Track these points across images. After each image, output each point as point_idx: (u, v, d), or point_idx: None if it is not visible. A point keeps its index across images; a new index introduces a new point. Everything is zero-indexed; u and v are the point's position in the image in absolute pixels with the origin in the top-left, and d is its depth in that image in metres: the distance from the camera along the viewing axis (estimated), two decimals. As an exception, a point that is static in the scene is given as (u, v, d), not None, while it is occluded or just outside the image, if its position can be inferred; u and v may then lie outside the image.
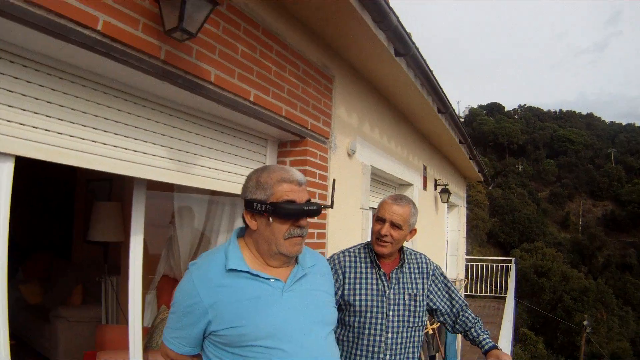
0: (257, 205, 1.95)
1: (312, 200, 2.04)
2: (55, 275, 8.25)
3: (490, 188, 39.24)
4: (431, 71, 5.63)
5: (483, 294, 15.63)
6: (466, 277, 15.60)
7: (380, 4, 3.92)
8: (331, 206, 2.10)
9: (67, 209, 9.17)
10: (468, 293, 15.56)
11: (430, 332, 5.88)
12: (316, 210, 1.98)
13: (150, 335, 4.50)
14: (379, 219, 2.89)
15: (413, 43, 4.69)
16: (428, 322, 5.83)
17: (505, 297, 13.22)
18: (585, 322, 33.75)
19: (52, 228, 9.64)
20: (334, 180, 2.28)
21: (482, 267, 16.31)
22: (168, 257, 5.08)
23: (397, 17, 4.23)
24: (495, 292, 15.80)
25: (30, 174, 8.59)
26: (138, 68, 2.65)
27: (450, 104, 6.88)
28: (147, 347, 4.39)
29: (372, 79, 5.67)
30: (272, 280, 1.97)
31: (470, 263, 16.10)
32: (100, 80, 2.78)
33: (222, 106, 3.39)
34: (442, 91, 6.30)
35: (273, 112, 3.79)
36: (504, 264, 16.35)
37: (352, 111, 5.34)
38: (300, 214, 1.94)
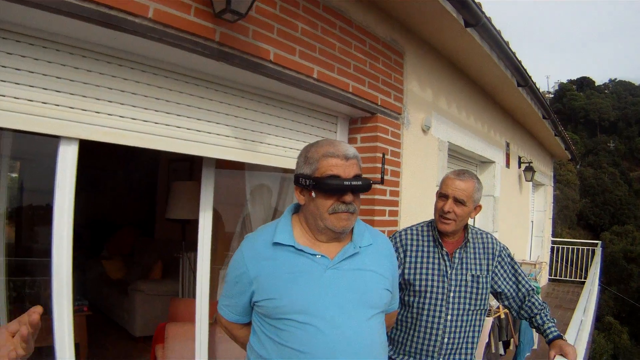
0: (302, 180, 1.94)
1: (363, 176, 1.97)
2: (138, 252, 8.59)
3: (578, 167, 37.91)
4: (506, 43, 5.44)
5: (568, 278, 15.05)
6: (551, 260, 15.14)
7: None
8: (381, 182, 2.01)
9: (151, 189, 9.50)
10: (552, 277, 15.05)
11: (503, 316, 5.70)
12: (361, 186, 1.90)
13: (221, 309, 4.58)
14: (441, 195, 2.79)
15: (483, 13, 4.52)
16: (501, 306, 5.67)
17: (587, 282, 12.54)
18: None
19: (136, 207, 10.03)
20: (383, 155, 2.19)
21: (568, 249, 15.68)
22: (242, 234, 5.15)
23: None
24: (581, 277, 14.85)
25: (115, 156, 8.94)
26: (193, 51, 2.72)
27: (530, 77, 6.64)
28: (216, 319, 4.47)
29: (445, 52, 5.54)
30: (318, 256, 1.94)
31: (556, 245, 15.57)
32: (160, 65, 2.90)
33: (285, 84, 3.40)
34: (520, 63, 6.09)
35: (339, 89, 3.76)
36: (591, 247, 15.71)
37: (426, 86, 5.23)
38: (342, 190, 1.88)
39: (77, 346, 5.33)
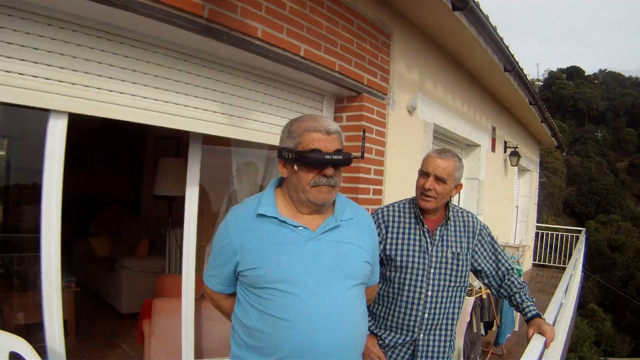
0: (285, 154, 1.99)
1: (343, 150, 2.02)
2: (125, 229, 8.60)
3: (564, 154, 38.00)
4: (494, 27, 5.48)
5: (552, 264, 15.17)
6: (536, 245, 15.25)
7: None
8: (362, 157, 2.05)
9: (138, 166, 9.52)
10: (536, 262, 15.20)
11: (485, 296, 5.76)
12: (342, 160, 1.95)
13: (206, 284, 4.61)
14: (423, 173, 2.84)
15: (471, -4, 4.56)
16: (483, 286, 5.74)
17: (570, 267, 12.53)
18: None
19: (123, 184, 10.03)
20: (364, 130, 2.23)
21: (552, 236, 15.71)
22: (227, 211, 5.18)
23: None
24: (565, 263, 14.85)
25: (103, 134, 8.92)
26: (182, 27, 2.76)
27: (517, 62, 6.69)
28: (202, 295, 4.51)
29: (433, 35, 5.57)
30: (300, 228, 1.99)
31: (540, 231, 15.68)
32: (149, 40, 2.93)
33: (272, 61, 3.43)
34: (507, 48, 6.13)
35: (326, 67, 3.80)
36: (576, 234, 15.74)
37: (413, 67, 5.27)
38: (324, 163, 1.93)
39: (65, 322, 5.33)
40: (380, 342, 2.88)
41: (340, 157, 1.95)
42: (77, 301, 5.77)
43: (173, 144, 8.08)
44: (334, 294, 1.94)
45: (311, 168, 1.94)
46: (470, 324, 5.16)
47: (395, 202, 3.01)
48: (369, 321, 2.87)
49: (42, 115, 2.61)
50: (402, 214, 2.92)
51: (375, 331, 2.92)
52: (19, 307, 4.79)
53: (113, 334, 6.03)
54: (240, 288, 2.07)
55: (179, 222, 4.29)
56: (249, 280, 1.97)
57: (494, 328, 6.26)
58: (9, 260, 5.07)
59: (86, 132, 8.43)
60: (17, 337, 2.51)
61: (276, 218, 2.00)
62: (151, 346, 4.22)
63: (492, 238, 3.00)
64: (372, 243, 2.23)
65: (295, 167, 1.96)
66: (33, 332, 3.27)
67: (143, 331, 4.56)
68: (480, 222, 3.00)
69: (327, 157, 1.92)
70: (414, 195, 2.94)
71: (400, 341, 2.83)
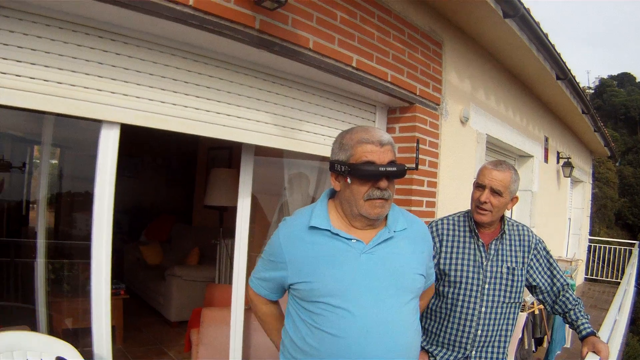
0: (337, 166, 1.96)
1: (397, 162, 1.97)
2: (175, 238, 8.71)
3: (617, 164, 37.03)
4: (546, 35, 5.36)
5: (604, 278, 14.78)
6: (588, 259, 14.88)
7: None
8: (416, 168, 2.01)
9: (190, 177, 9.64)
10: (588, 276, 14.78)
11: (537, 312, 5.63)
12: (396, 172, 1.91)
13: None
14: (478, 185, 2.77)
15: (521, 3, 4.47)
16: (535, 302, 5.61)
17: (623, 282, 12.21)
18: None
19: (175, 194, 10.19)
20: (417, 141, 2.18)
21: (605, 249, 15.36)
22: (279, 222, 5.18)
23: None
24: (618, 278, 14.40)
25: (155, 145, 9.07)
26: (233, 38, 2.75)
27: (569, 70, 6.52)
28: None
29: (484, 43, 5.48)
30: (353, 240, 1.96)
31: (593, 244, 15.26)
32: (200, 52, 2.95)
33: (324, 72, 3.41)
34: (559, 55, 5.99)
35: (377, 78, 3.76)
36: (629, 248, 15.31)
37: (465, 77, 5.19)
38: (377, 176, 1.89)
39: (113, 328, 5.42)
40: (432, 358, 2.83)
41: (395, 168, 1.90)
42: (126, 308, 5.86)
43: (224, 154, 8.16)
44: (386, 310, 1.90)
45: (364, 181, 1.90)
46: (521, 340, 5.06)
47: (450, 215, 2.95)
48: (421, 337, 2.81)
49: (93, 125, 2.63)
50: (456, 228, 2.86)
51: (426, 347, 2.87)
52: (68, 313, 4.86)
53: (160, 341, 6.10)
54: (291, 301, 2.04)
55: (229, 233, 4.31)
56: (300, 294, 1.95)
57: (544, 344, 6.12)
58: (60, 266, 5.15)
59: (139, 143, 8.66)
60: (64, 342, 2.57)
61: (329, 230, 1.97)
62: (198, 355, 4.25)
63: (548, 252, 2.91)
64: (427, 253, 2.20)
65: (349, 180, 1.92)
66: (81, 337, 3.31)
67: (191, 340, 4.60)
68: (535, 235, 2.92)
69: (381, 169, 1.88)
70: (469, 207, 2.89)
71: (452, 358, 2.77)
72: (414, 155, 4.15)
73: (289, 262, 1.97)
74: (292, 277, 1.96)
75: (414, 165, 2.04)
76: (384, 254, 1.98)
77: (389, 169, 1.89)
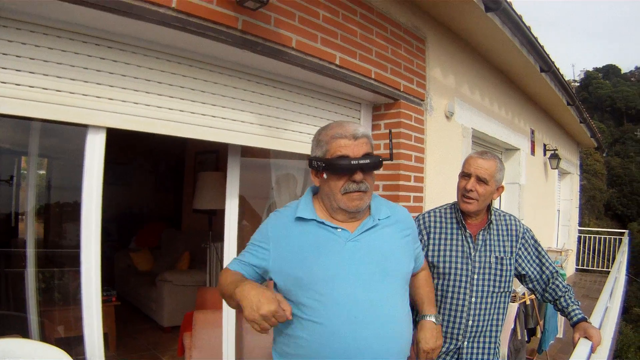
0: (314, 163, 2.00)
1: (372, 154, 1.99)
2: (166, 244, 8.69)
3: (604, 155, 37.22)
4: (528, 27, 5.41)
5: (595, 268, 14.83)
6: (578, 249, 14.93)
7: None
8: (390, 159, 2.02)
9: (178, 182, 9.64)
10: (579, 267, 14.85)
11: (528, 302, 5.66)
12: (369, 164, 1.94)
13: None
14: (464, 174, 2.80)
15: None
16: (526, 292, 5.63)
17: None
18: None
19: (163, 200, 10.19)
20: (390, 131, 2.20)
21: (595, 239, 15.36)
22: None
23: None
24: (609, 267, 14.36)
25: (143, 151, 9.06)
26: (216, 39, 2.76)
27: (553, 62, 6.57)
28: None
29: (467, 38, 5.51)
30: (339, 230, 1.99)
31: (583, 235, 15.31)
32: (184, 54, 2.95)
33: (308, 71, 3.42)
34: (542, 48, 6.04)
35: (361, 75, 3.77)
36: (619, 237, 15.39)
37: (449, 72, 5.22)
38: (351, 169, 1.92)
39: (106, 335, 5.42)
40: (424, 351, 2.83)
41: (368, 160, 1.93)
42: (119, 315, 5.84)
43: (212, 158, 8.17)
44: (374, 296, 1.92)
45: (340, 175, 1.94)
46: (514, 330, 5.08)
47: (437, 208, 2.97)
48: (412, 329, 2.81)
49: (80, 133, 2.63)
50: (443, 219, 2.88)
51: (418, 339, 2.87)
52: (60, 321, 4.84)
53: (154, 347, 6.08)
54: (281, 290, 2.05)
55: (219, 236, 4.31)
56: (286, 284, 1.96)
57: (538, 335, 6.15)
58: (50, 275, 5.13)
59: (126, 149, 8.64)
60: (57, 349, 2.53)
61: (315, 220, 2.01)
62: (192, 358, 4.23)
63: (536, 241, 2.93)
64: (412, 235, 2.23)
65: (325, 176, 1.96)
66: (73, 346, 3.30)
67: (184, 344, 4.59)
68: (523, 225, 2.94)
69: (353, 162, 1.91)
70: (455, 200, 2.90)
71: (444, 349, 2.78)
72: (401, 151, 4.17)
73: (273, 249, 2.00)
74: (274, 263, 1.99)
75: (388, 157, 2.04)
76: (370, 241, 2.01)
77: (361, 161, 1.92)
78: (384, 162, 2.01)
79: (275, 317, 1.69)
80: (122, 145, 7.81)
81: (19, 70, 2.33)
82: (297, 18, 3.21)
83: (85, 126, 2.61)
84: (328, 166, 1.93)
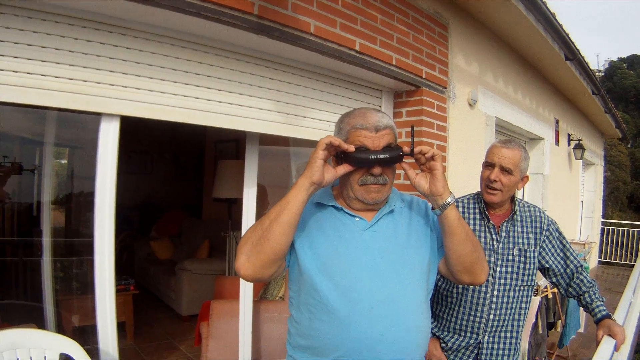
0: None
1: (394, 146, 1.90)
2: (185, 232, 8.70)
3: (628, 146, 36.74)
4: (553, 14, 5.29)
5: (618, 261, 14.59)
6: (601, 242, 14.74)
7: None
8: (411, 154, 1.93)
9: (198, 171, 9.68)
10: (602, 260, 14.66)
11: (551, 296, 5.56)
12: (388, 159, 1.84)
13: (265, 286, 4.59)
14: (487, 164, 2.71)
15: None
16: (549, 285, 5.54)
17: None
18: None
19: (184, 189, 10.25)
20: (412, 126, 2.11)
21: (618, 232, 15.19)
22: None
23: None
24: (632, 260, 14.17)
25: (163, 140, 9.09)
26: (232, 25, 2.71)
27: (578, 50, 6.44)
28: (262, 297, 4.48)
29: (491, 25, 5.41)
30: (356, 218, 1.95)
31: (606, 227, 15.10)
32: (199, 40, 2.91)
33: (327, 57, 3.36)
34: (567, 35, 5.91)
35: (382, 61, 3.70)
36: (644, 230, 15.23)
37: (472, 59, 5.12)
38: (369, 163, 1.84)
39: (124, 324, 5.45)
40: (443, 345, 2.79)
41: (387, 155, 1.83)
42: (137, 303, 5.86)
43: (232, 147, 8.20)
44: (391, 288, 1.86)
45: (357, 167, 1.87)
46: (535, 324, 4.99)
47: (459, 197, 2.88)
48: (431, 323, 2.75)
49: (96, 122, 2.62)
50: (466, 210, 2.80)
51: (437, 333, 2.82)
52: (77, 310, 4.85)
53: (172, 335, 6.11)
54: (293, 287, 2.01)
55: (238, 225, 4.29)
56: (308, 262, 1.88)
57: (558, 329, 6.06)
58: (69, 264, 5.13)
59: (146, 138, 8.67)
60: (68, 339, 2.56)
61: (334, 207, 1.97)
62: (209, 348, 4.23)
63: (561, 234, 2.84)
64: (431, 223, 2.11)
65: (343, 165, 1.88)
66: (89, 335, 3.31)
67: (201, 333, 4.57)
68: (548, 217, 2.85)
69: (371, 156, 1.82)
70: (478, 190, 2.81)
71: (464, 344, 2.72)
72: (422, 139, 4.10)
73: (299, 224, 1.87)
74: (298, 237, 1.91)
75: (409, 151, 1.96)
76: (387, 231, 1.95)
77: (380, 156, 1.83)
78: (405, 157, 1.92)
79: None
80: (143, 134, 7.92)
81: (31, 59, 2.31)
82: (315, 3, 3.14)
83: (99, 114, 2.58)
84: (346, 157, 1.85)
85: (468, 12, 5.00)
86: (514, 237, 2.71)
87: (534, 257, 2.73)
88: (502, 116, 5.90)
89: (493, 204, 2.70)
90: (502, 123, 6.11)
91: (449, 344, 2.74)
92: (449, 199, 1.86)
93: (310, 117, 3.62)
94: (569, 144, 9.61)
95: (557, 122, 8.54)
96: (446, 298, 2.77)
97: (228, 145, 8.34)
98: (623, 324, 2.80)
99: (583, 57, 6.91)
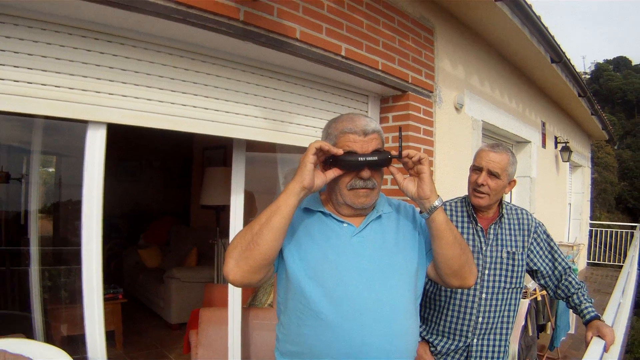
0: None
1: (382, 150, 1.91)
2: (174, 240, 8.68)
3: (615, 148, 37.00)
4: (538, 17, 5.32)
5: (607, 262, 14.68)
6: (590, 244, 14.81)
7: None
8: (399, 157, 1.94)
9: (186, 178, 9.66)
10: (590, 261, 14.71)
11: (540, 298, 5.57)
12: (377, 162, 1.85)
13: (254, 293, 4.58)
14: (475, 168, 2.72)
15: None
16: (538, 288, 5.55)
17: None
18: None
19: (172, 196, 10.24)
20: (399, 128, 2.12)
21: (607, 233, 15.32)
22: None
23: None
24: (621, 261, 14.10)
25: (151, 148, 9.07)
26: (218, 31, 2.71)
27: (564, 53, 6.47)
28: (250, 304, 4.48)
29: (477, 29, 5.43)
30: (344, 224, 1.95)
31: (594, 229, 15.19)
32: (185, 47, 2.91)
33: (312, 62, 3.36)
34: (553, 38, 5.94)
35: (368, 66, 3.71)
36: (631, 231, 15.25)
37: (458, 63, 5.14)
38: (358, 166, 1.85)
39: (113, 333, 5.42)
40: (432, 348, 2.79)
41: (376, 158, 1.85)
42: (126, 312, 5.83)
43: (219, 153, 8.19)
44: (380, 293, 1.86)
45: (347, 171, 1.87)
46: (525, 327, 5.00)
47: (447, 201, 2.89)
48: (420, 326, 2.75)
49: (83, 129, 2.60)
50: (454, 213, 2.81)
51: (426, 337, 2.82)
52: (66, 319, 4.83)
53: (161, 344, 6.08)
54: (281, 293, 2.00)
55: (226, 232, 4.28)
56: (295, 267, 1.88)
57: (548, 331, 6.07)
58: (57, 273, 5.11)
59: (134, 146, 8.64)
60: (57, 349, 2.54)
61: (321, 212, 1.97)
62: (198, 356, 4.23)
63: (548, 236, 2.86)
64: (419, 228, 2.11)
65: (331, 170, 1.88)
66: (78, 344, 3.29)
67: (190, 341, 4.57)
68: (535, 219, 2.87)
69: (360, 159, 1.84)
70: (466, 193, 2.83)
71: (453, 347, 2.72)
72: (408, 144, 4.11)
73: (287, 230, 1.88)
74: (287, 243, 1.91)
75: (397, 154, 1.96)
76: (375, 236, 1.96)
77: (369, 158, 1.84)
78: (393, 160, 1.93)
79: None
80: (131, 142, 7.87)
81: (17, 67, 2.30)
82: (300, 8, 3.15)
83: (85, 122, 2.57)
84: (335, 161, 1.86)
85: (454, 16, 5.02)
86: (502, 239, 2.72)
87: (522, 260, 2.74)
88: (488, 120, 5.92)
89: (481, 207, 2.72)
90: (488, 127, 6.14)
91: (438, 348, 2.74)
92: (436, 202, 1.86)
93: (296, 122, 3.62)
94: (555, 147, 9.65)
95: (543, 124, 8.59)
96: (434, 301, 2.78)
97: (216, 152, 8.32)
98: (612, 325, 2.82)
99: (569, 60, 6.96)
